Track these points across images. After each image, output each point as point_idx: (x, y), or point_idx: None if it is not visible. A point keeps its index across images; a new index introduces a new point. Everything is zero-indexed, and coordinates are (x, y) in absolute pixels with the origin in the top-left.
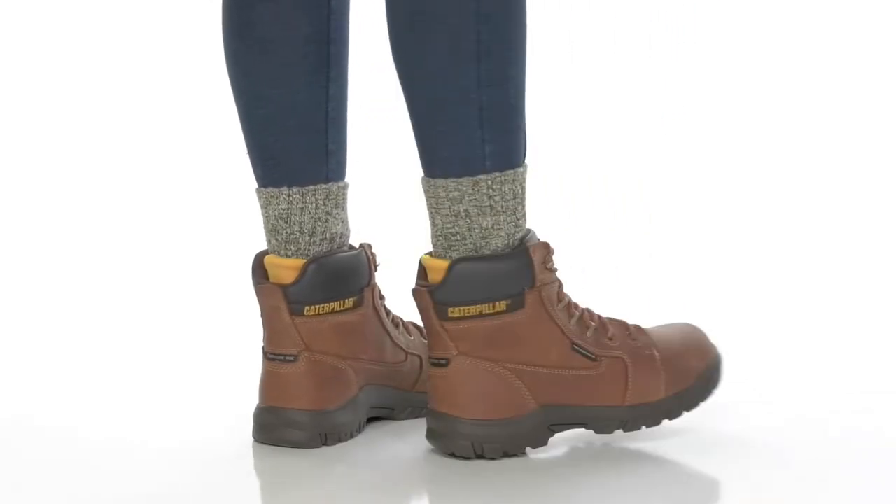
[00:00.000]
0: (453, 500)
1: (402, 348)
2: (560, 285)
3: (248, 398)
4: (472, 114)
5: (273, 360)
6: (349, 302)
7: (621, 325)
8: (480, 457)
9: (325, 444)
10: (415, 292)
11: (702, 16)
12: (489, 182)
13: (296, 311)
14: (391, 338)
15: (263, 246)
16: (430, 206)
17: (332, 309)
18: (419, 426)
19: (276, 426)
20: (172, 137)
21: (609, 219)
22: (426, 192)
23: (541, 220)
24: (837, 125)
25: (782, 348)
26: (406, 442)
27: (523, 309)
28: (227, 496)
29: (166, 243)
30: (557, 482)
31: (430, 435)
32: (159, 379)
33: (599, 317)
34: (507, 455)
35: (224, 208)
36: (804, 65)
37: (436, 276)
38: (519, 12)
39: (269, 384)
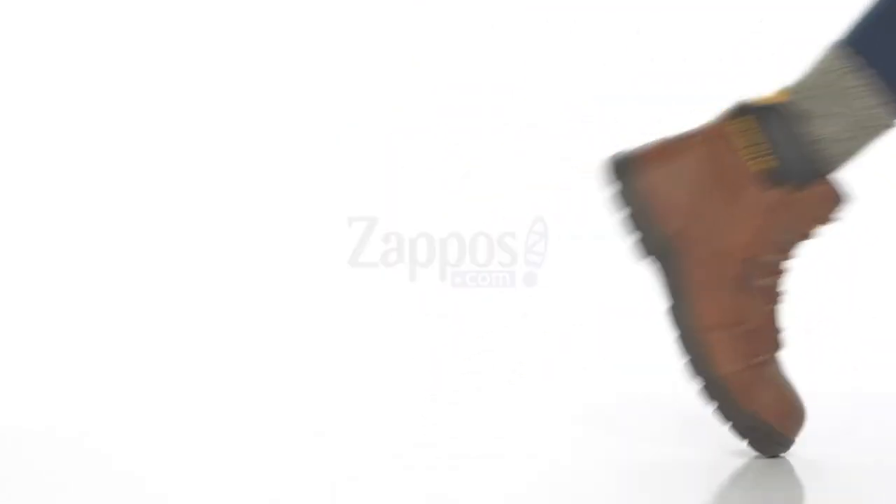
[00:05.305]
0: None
1: None
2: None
3: (248, 399)
4: None
5: None
6: None
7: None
8: None
9: None
10: None
11: (701, 16)
12: None
13: None
14: None
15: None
16: None
17: None
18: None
19: None
20: (174, 138)
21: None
22: None
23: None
24: None
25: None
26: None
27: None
28: (224, 495)
29: (166, 243)
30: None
31: None
32: (160, 380)
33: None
34: None
35: (224, 206)
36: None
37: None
38: None
39: None
